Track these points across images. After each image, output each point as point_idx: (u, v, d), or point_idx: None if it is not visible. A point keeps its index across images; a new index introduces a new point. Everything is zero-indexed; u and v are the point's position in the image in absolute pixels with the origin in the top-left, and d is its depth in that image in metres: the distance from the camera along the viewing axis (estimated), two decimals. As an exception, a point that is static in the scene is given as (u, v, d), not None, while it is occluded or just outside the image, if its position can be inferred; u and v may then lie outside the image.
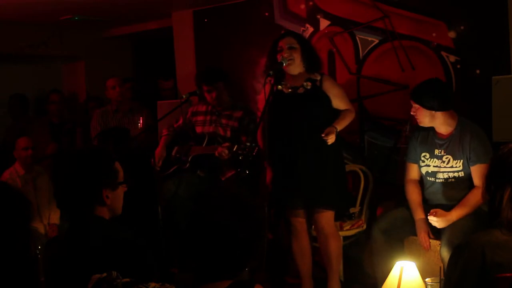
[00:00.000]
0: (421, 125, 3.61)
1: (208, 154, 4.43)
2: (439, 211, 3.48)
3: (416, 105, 3.55)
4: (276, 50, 3.86)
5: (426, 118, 3.55)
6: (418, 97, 3.54)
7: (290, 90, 3.89)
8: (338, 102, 3.90)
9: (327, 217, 3.89)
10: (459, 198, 3.55)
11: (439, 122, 3.56)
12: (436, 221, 3.47)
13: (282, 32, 5.04)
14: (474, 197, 3.45)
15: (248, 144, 3.70)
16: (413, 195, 3.68)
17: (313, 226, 4.02)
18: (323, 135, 3.70)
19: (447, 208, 3.56)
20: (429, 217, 3.50)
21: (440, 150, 3.60)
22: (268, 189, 3.91)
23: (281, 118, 3.87)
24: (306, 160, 3.81)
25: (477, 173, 3.47)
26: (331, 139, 3.72)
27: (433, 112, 3.51)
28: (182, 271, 4.38)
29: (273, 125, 3.86)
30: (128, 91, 5.94)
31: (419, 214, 3.59)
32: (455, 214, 3.46)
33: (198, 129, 4.65)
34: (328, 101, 3.86)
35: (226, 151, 4.18)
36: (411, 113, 3.61)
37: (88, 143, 5.49)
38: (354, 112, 3.95)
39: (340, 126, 3.83)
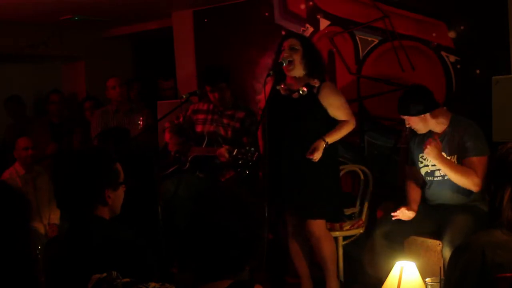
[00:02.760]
0: (419, 132, 3.66)
1: (207, 156, 4.43)
2: (436, 143, 3.49)
3: (406, 117, 3.61)
4: (280, 50, 3.85)
5: (420, 124, 3.60)
6: (404, 108, 3.61)
7: (286, 92, 3.87)
8: (335, 111, 3.82)
9: (317, 223, 3.87)
10: (459, 197, 3.56)
11: (433, 123, 3.60)
12: (428, 150, 3.47)
13: (283, 32, 5.05)
14: (467, 172, 3.45)
15: (248, 148, 3.69)
16: (411, 191, 3.73)
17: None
18: (308, 155, 3.69)
19: (448, 207, 3.57)
20: (424, 150, 3.51)
21: None
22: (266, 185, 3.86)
23: (275, 119, 3.86)
24: (293, 167, 3.79)
25: (471, 165, 3.46)
26: (316, 156, 3.70)
27: (423, 116, 3.55)
28: (182, 271, 4.38)
29: (269, 126, 3.86)
30: (134, 92, 5.97)
31: (413, 206, 3.64)
32: (445, 159, 3.49)
33: (198, 128, 4.64)
34: (323, 110, 3.80)
35: (227, 155, 4.17)
36: (406, 125, 3.66)
37: (88, 143, 5.49)
38: (354, 123, 3.86)
39: (331, 138, 3.76)
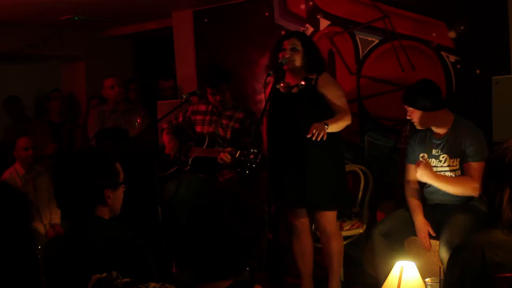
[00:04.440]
0: (417, 127, 3.62)
1: (208, 157, 4.42)
2: (425, 163, 3.49)
3: (410, 109, 3.57)
4: (280, 48, 3.85)
5: (421, 119, 3.56)
6: (410, 99, 3.56)
7: (286, 89, 3.89)
8: (335, 100, 3.78)
9: (329, 217, 3.88)
10: (459, 198, 3.55)
11: (435, 123, 3.57)
12: (419, 172, 3.49)
13: (283, 32, 5.05)
14: (464, 180, 3.46)
15: (251, 150, 3.68)
16: (413, 196, 3.68)
17: (314, 226, 4.02)
18: (308, 136, 3.57)
19: (446, 207, 3.57)
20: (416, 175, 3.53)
21: (437, 150, 3.61)
22: (267, 186, 3.86)
23: (277, 118, 3.86)
24: (301, 161, 3.78)
25: (471, 170, 3.46)
26: (319, 134, 3.55)
27: (428, 112, 3.52)
28: (182, 271, 4.38)
29: (271, 124, 3.85)
30: (132, 92, 5.97)
31: (418, 215, 3.59)
32: (439, 176, 3.50)
33: (198, 129, 4.63)
34: (324, 101, 3.79)
35: (229, 157, 4.16)
36: (407, 117, 3.63)
37: (88, 143, 5.49)
38: (350, 116, 3.82)
39: (331, 124, 3.67)
